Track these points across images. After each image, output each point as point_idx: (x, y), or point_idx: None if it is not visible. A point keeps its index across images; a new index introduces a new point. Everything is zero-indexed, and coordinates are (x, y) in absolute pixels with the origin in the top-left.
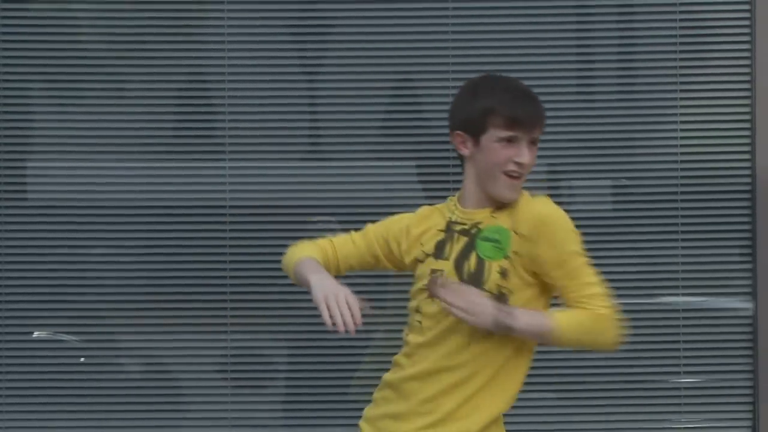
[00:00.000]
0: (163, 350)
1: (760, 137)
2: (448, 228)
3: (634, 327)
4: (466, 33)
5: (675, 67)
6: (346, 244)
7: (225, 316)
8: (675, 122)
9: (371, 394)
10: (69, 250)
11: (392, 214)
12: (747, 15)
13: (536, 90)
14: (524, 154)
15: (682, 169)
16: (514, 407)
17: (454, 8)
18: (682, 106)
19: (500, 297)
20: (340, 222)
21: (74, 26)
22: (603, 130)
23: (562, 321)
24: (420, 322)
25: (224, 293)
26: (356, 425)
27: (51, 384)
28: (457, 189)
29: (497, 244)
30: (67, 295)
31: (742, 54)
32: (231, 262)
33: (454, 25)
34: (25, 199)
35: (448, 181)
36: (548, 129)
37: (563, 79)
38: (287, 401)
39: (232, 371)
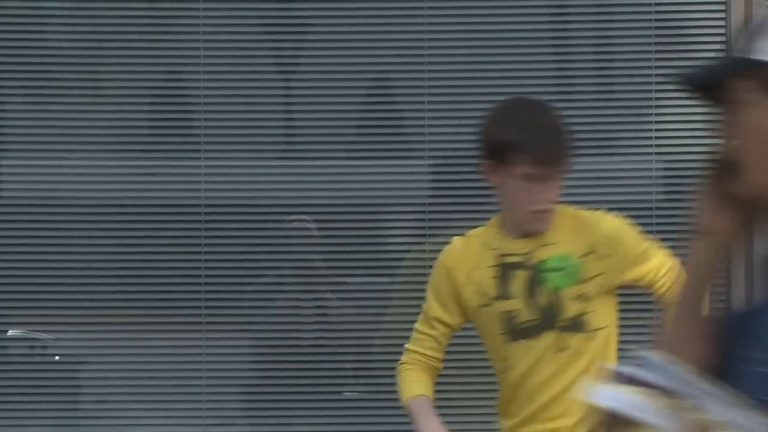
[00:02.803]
0: (138, 348)
1: None
2: (500, 263)
3: None
4: (441, 32)
5: (651, 67)
6: (435, 348)
7: (200, 315)
8: (650, 122)
9: None
10: (42, 248)
11: (366, 212)
12: (722, 15)
13: (513, 90)
14: (548, 193)
15: (657, 169)
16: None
17: (430, 7)
18: (657, 106)
19: (578, 320)
20: (315, 221)
21: (48, 24)
22: (579, 130)
23: None
24: (508, 365)
25: (199, 291)
26: (330, 421)
27: (24, 382)
28: (432, 186)
29: (565, 271)
30: (41, 294)
31: (717, 54)
32: (206, 260)
33: (429, 24)
34: None
35: (423, 180)
36: None
37: (540, 78)
38: (261, 400)
39: (207, 370)
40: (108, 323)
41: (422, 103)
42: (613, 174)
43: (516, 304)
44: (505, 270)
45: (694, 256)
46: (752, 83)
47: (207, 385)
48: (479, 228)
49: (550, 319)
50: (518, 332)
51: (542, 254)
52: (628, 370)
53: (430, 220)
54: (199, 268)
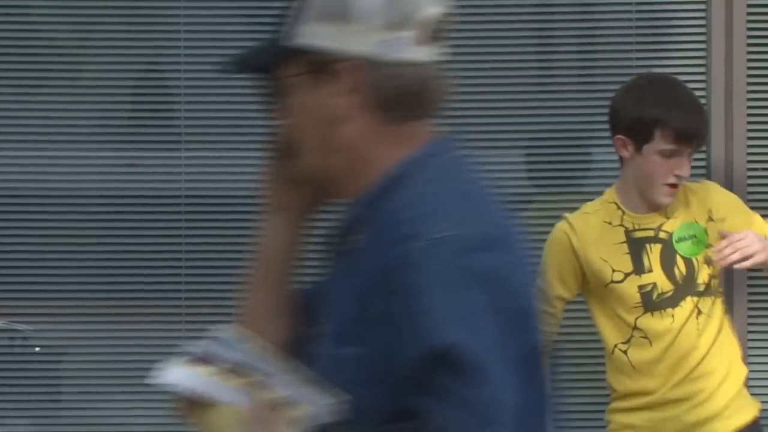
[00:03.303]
0: (118, 339)
1: (714, 130)
2: (630, 238)
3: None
4: None
5: (631, 59)
6: (554, 325)
7: (180, 306)
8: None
9: None
10: (22, 239)
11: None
12: (702, 7)
13: (497, 81)
14: (684, 168)
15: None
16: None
17: None
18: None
19: (710, 284)
20: None
21: (31, 15)
22: (561, 121)
23: None
24: (645, 338)
25: (179, 282)
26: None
27: (5, 374)
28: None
29: (694, 239)
30: (21, 284)
31: (697, 46)
32: (186, 251)
33: None
34: None
35: None
36: (508, 121)
37: (523, 70)
38: None
39: None
40: (89, 314)
41: None
42: (596, 164)
43: (654, 277)
44: (637, 245)
45: (267, 233)
46: (297, 67)
47: None
48: (590, 204)
49: (689, 286)
50: (657, 304)
51: (670, 226)
52: (201, 348)
53: None
54: (180, 259)
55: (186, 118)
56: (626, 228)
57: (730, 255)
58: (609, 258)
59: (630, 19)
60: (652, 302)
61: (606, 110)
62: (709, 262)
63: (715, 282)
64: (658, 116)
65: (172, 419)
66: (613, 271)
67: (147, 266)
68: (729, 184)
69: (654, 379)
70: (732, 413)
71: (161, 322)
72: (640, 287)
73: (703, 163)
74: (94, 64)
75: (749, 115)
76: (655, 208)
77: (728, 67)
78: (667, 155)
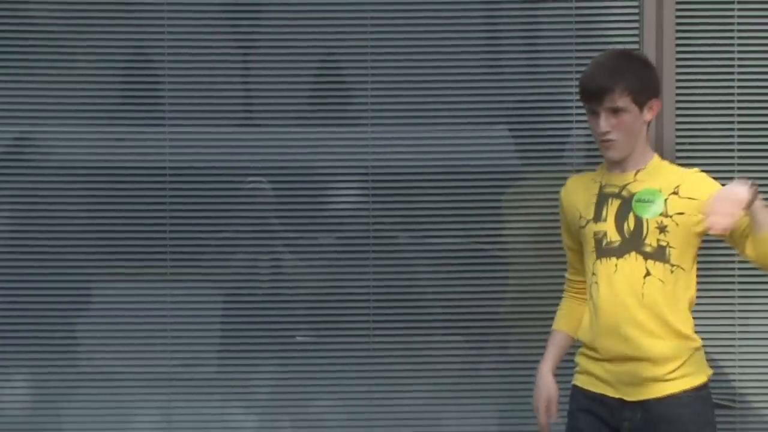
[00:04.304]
0: (110, 297)
1: None
2: (600, 193)
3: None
4: (383, 12)
5: (572, 58)
6: (574, 272)
7: (165, 267)
8: (571, 100)
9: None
10: (21, 206)
11: (314, 174)
12: (635, 3)
13: (448, 66)
14: (599, 124)
15: (577, 136)
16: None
17: None
18: (575, 86)
19: (660, 249)
20: (270, 182)
21: (27, 4)
22: (508, 107)
23: None
24: (597, 282)
25: (164, 246)
26: (283, 362)
27: (7, 329)
28: (373, 151)
29: (650, 203)
30: (20, 248)
31: (632, 39)
32: (170, 218)
33: (373, 6)
34: None
35: (366, 145)
36: (460, 106)
37: (472, 61)
38: (222, 343)
39: (172, 317)
40: (82, 275)
41: (365, 76)
42: (540, 144)
43: (606, 226)
44: (603, 198)
45: None
46: None
47: (173, 330)
48: (594, 169)
49: (635, 242)
50: (605, 251)
51: (635, 187)
52: None
53: (373, 182)
54: (164, 225)
55: (169, 96)
56: (600, 184)
57: (715, 221)
58: (581, 207)
59: (570, 15)
60: (601, 248)
61: (548, 97)
62: (662, 229)
63: (673, 252)
64: (579, 80)
65: (160, 368)
66: (580, 217)
67: (135, 232)
68: (660, 156)
69: (600, 330)
70: (677, 377)
71: (148, 281)
72: (595, 233)
73: None
74: (86, 48)
75: (678, 95)
76: (620, 166)
77: (659, 53)
78: (590, 113)
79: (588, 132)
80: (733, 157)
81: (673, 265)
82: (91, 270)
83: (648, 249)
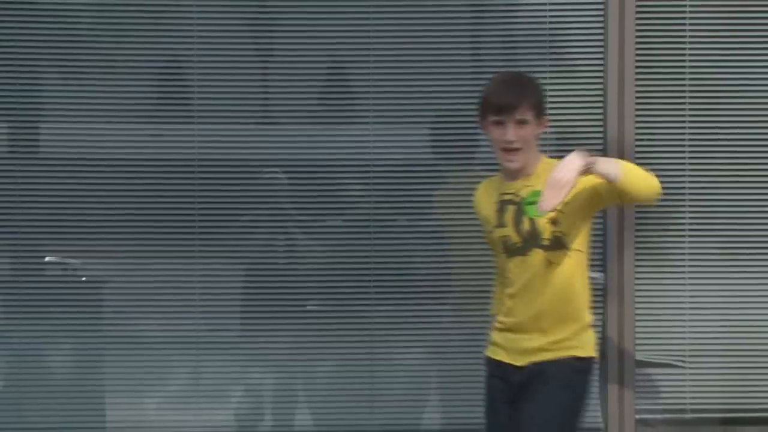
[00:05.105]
0: (147, 271)
1: (609, 111)
2: (500, 200)
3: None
4: (384, 21)
5: (544, 58)
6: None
7: (193, 247)
8: (545, 93)
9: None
10: (73, 193)
11: (325, 165)
12: (600, 12)
13: (439, 67)
14: (507, 134)
15: (551, 131)
16: None
17: (375, 4)
18: (551, 83)
19: (557, 240)
20: (286, 174)
21: (76, 15)
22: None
23: (625, 165)
24: (509, 277)
25: (193, 228)
26: (302, 332)
27: (58, 297)
28: (377, 146)
29: (538, 204)
30: (72, 229)
31: (596, 50)
32: (199, 205)
33: (374, 17)
34: (38, 154)
35: (367, 141)
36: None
37: (455, 62)
38: (244, 310)
39: (200, 288)
40: (123, 252)
41: (368, 80)
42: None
43: (508, 231)
44: (502, 205)
45: None
46: None
47: (201, 300)
48: (494, 176)
49: (534, 240)
50: (513, 251)
51: (524, 192)
52: None
53: (373, 173)
54: (194, 209)
55: (198, 99)
56: (499, 192)
57: (546, 201)
58: (487, 214)
59: (544, 23)
60: (509, 250)
61: None
62: (554, 222)
63: (567, 239)
64: (484, 95)
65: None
66: (488, 223)
67: (168, 216)
68: (621, 158)
69: (511, 310)
70: (561, 348)
71: (179, 258)
72: (501, 237)
73: (600, 138)
74: (126, 56)
75: (638, 98)
76: (512, 175)
77: (621, 62)
78: (495, 125)
79: (559, 126)
80: (684, 151)
81: (571, 251)
82: (132, 248)
83: (546, 243)
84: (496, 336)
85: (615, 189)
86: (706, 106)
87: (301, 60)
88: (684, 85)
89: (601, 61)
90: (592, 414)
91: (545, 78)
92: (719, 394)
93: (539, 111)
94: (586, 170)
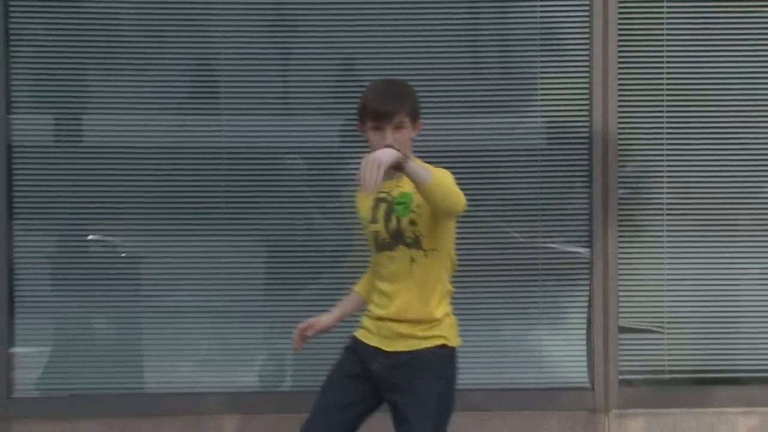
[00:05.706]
0: (180, 247)
1: (594, 104)
2: (375, 198)
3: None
4: (390, 24)
5: (535, 55)
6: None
7: (220, 228)
8: (536, 88)
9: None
10: (114, 179)
11: (340, 157)
12: (587, 11)
13: (437, 63)
14: (386, 138)
15: (540, 123)
16: None
17: (383, 7)
18: (542, 78)
19: (416, 239)
20: (303, 160)
21: (116, 17)
22: (483, 93)
23: (436, 174)
24: (379, 270)
25: (221, 209)
26: (318, 301)
27: (101, 272)
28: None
29: (405, 205)
30: (112, 210)
31: (583, 51)
32: (226, 189)
33: (381, 17)
34: (82, 142)
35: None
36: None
37: (454, 57)
38: (267, 280)
39: (226, 262)
40: (158, 231)
41: (381, 75)
42: (507, 130)
43: (378, 227)
44: (376, 203)
45: None
46: None
47: (227, 273)
48: None
49: (399, 238)
50: (382, 246)
51: (395, 192)
52: None
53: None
54: (221, 193)
55: (225, 92)
56: (378, 190)
57: (367, 182)
58: (363, 211)
59: (535, 23)
60: (379, 244)
61: (516, 85)
62: (413, 222)
63: (425, 240)
64: (362, 102)
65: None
66: (363, 218)
67: (198, 199)
68: (605, 145)
69: (381, 300)
70: (427, 338)
71: (208, 236)
72: (373, 233)
73: (587, 127)
74: (160, 53)
75: (620, 91)
76: (388, 175)
77: (605, 58)
78: (373, 129)
79: (549, 117)
80: (662, 139)
81: (427, 250)
82: (165, 228)
83: (409, 241)
84: (366, 322)
85: (421, 192)
86: (681, 98)
87: (317, 57)
88: (662, 79)
89: (587, 58)
90: (580, 374)
91: (536, 73)
92: (694, 357)
93: (414, 116)
94: (399, 165)
